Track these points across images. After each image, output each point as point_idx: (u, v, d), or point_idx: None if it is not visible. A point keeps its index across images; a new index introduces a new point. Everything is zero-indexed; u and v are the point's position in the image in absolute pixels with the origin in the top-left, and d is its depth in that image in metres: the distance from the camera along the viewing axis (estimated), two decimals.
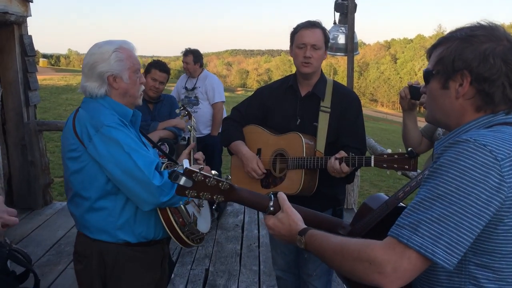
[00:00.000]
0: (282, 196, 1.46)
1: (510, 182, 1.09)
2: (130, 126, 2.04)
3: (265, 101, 2.71)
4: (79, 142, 1.93)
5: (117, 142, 1.88)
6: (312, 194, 2.53)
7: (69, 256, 4.25)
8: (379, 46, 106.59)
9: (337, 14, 5.09)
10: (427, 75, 1.31)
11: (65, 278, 3.89)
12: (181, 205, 2.02)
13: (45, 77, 24.93)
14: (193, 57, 5.24)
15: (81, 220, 2.06)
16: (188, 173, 1.37)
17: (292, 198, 1.52)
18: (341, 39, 4.97)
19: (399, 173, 2.35)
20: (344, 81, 4.47)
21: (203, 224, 2.25)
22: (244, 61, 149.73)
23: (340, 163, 2.33)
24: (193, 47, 5.41)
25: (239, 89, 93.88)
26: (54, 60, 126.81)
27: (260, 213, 5.20)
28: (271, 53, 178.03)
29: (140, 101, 2.15)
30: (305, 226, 1.39)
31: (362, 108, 2.83)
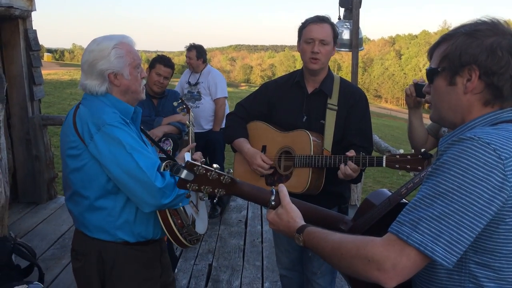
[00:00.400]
0: (283, 191, 1.45)
1: None
2: (131, 123, 2.02)
3: (270, 97, 2.66)
4: (79, 140, 1.90)
5: (119, 142, 1.84)
6: (318, 192, 2.49)
7: None
8: (384, 42, 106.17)
9: (342, 10, 5.08)
10: (432, 73, 1.30)
11: (69, 272, 3.89)
12: (180, 207, 2.00)
13: (49, 72, 24.99)
14: (196, 52, 5.24)
15: (79, 218, 2.03)
16: (189, 166, 1.36)
17: (297, 196, 1.51)
18: (346, 35, 4.96)
19: (412, 173, 2.32)
20: (348, 77, 4.45)
21: (201, 225, 2.24)
22: (248, 56, 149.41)
23: (345, 162, 2.29)
24: (197, 42, 5.41)
25: (242, 84, 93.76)
26: (59, 55, 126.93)
27: (264, 208, 5.20)
28: (275, 48, 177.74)
29: (143, 96, 2.11)
30: (304, 223, 1.38)
31: None
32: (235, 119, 2.74)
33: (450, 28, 1.35)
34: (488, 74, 1.19)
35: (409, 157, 2.20)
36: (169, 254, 2.47)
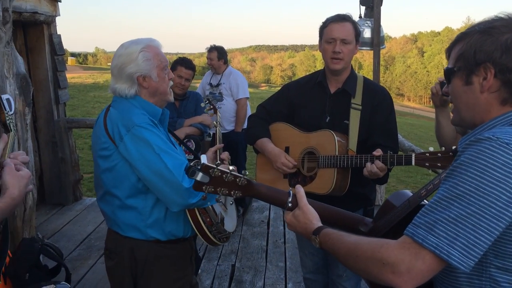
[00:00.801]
0: (300, 192, 1.44)
1: None
2: (159, 124, 2.07)
3: (292, 98, 2.63)
4: (110, 141, 1.96)
5: (148, 143, 1.89)
6: (343, 194, 2.45)
7: (99, 251, 4.35)
8: (406, 40, 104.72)
9: (363, 8, 5.04)
10: (449, 73, 1.27)
11: (95, 272, 3.97)
12: (209, 205, 2.03)
13: (73, 75, 25.43)
14: (217, 53, 5.26)
15: (112, 217, 2.09)
16: (205, 168, 1.37)
17: (322, 198, 1.50)
18: (367, 33, 4.91)
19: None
20: (369, 76, 4.38)
21: (230, 223, 2.26)
22: (268, 56, 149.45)
23: (372, 161, 2.24)
24: (217, 43, 5.44)
25: (263, 85, 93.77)
26: (82, 59, 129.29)
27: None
28: (295, 48, 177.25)
29: (171, 98, 2.15)
30: (320, 225, 1.37)
31: None
32: (257, 121, 2.72)
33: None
34: (503, 71, 1.15)
35: (439, 154, 2.11)
36: None
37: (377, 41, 4.90)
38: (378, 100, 2.50)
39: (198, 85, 5.71)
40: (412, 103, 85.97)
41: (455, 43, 1.27)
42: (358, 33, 2.47)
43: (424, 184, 1.48)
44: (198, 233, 2.07)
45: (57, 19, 5.49)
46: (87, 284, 3.79)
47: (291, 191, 1.46)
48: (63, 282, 2.83)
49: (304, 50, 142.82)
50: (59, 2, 5.45)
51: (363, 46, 4.96)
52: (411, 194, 1.48)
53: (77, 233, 4.83)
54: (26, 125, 3.68)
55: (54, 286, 2.68)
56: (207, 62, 5.38)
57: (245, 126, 5.10)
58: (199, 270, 3.93)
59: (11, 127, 1.88)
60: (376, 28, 4.87)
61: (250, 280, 3.88)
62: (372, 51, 5.08)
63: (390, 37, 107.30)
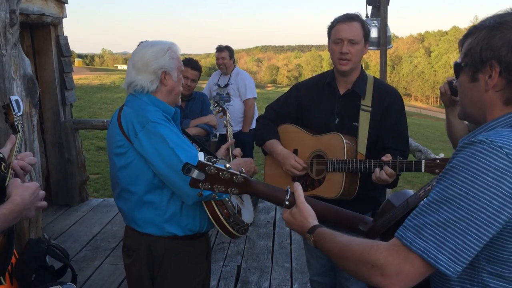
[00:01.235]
0: (298, 190, 1.44)
1: None
2: (171, 122, 2.11)
3: (301, 99, 2.59)
4: (125, 139, 2.00)
5: (162, 137, 1.93)
6: (352, 197, 2.41)
7: (105, 251, 4.36)
8: (412, 39, 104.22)
9: (369, 8, 5.01)
10: (457, 68, 1.25)
11: (101, 273, 3.98)
12: (225, 198, 2.05)
13: (80, 77, 25.57)
14: (229, 52, 5.29)
15: (129, 214, 2.12)
16: (200, 166, 1.38)
17: (331, 202, 1.48)
18: (374, 33, 4.88)
19: None
20: (376, 76, 4.37)
21: (247, 214, 2.28)
22: (274, 57, 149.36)
23: (381, 167, 2.21)
24: (223, 44, 5.44)
25: (269, 85, 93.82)
26: (89, 60, 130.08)
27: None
28: (301, 48, 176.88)
29: (180, 100, 2.22)
30: (316, 224, 1.36)
31: None
32: (266, 122, 2.69)
33: None
34: (509, 70, 1.12)
35: None
36: None
37: (384, 40, 4.88)
38: (389, 102, 2.45)
39: (204, 86, 5.72)
40: (419, 103, 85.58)
41: (466, 37, 1.24)
42: (367, 33, 2.42)
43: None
44: (216, 225, 2.08)
45: (64, 20, 5.52)
46: (93, 285, 3.80)
47: (289, 189, 1.46)
48: (69, 283, 2.84)
49: (311, 50, 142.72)
50: (66, 4, 5.48)
51: (370, 46, 4.91)
52: (412, 193, 1.46)
53: (83, 234, 4.85)
54: (33, 126, 3.69)
55: (60, 287, 2.68)
56: (218, 61, 5.38)
57: (252, 126, 5.10)
58: None
59: (19, 128, 1.89)
60: (383, 28, 4.85)
61: (256, 281, 3.87)
62: (378, 51, 5.06)
63: (397, 37, 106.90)
